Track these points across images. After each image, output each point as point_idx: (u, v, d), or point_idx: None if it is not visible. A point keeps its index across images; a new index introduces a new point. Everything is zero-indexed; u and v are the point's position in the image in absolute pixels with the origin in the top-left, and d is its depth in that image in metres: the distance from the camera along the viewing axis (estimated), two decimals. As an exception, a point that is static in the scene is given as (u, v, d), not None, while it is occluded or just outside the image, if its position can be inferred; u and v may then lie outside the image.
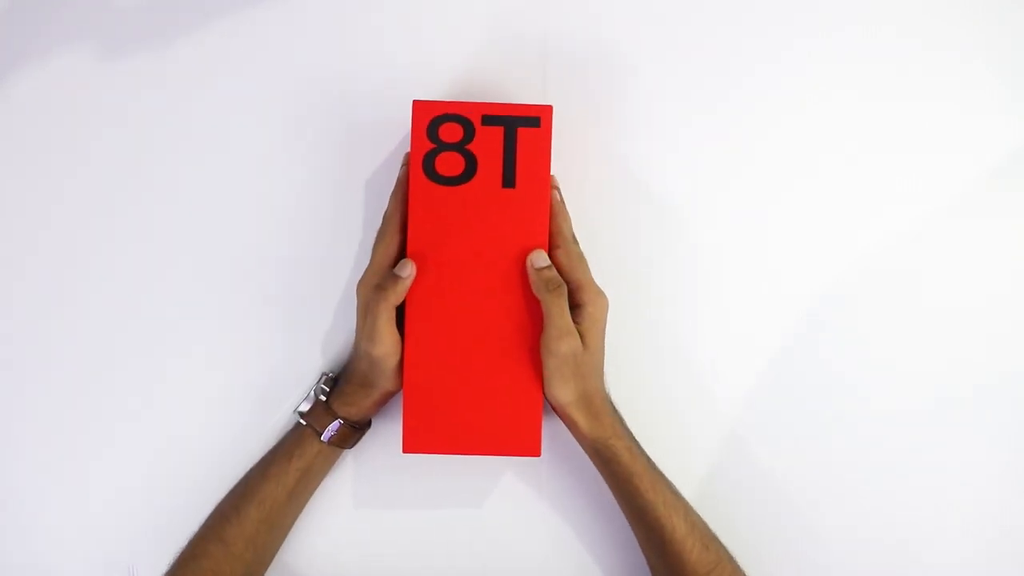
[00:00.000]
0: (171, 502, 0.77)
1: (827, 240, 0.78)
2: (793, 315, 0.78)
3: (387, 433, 0.77)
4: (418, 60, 0.78)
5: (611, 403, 0.73)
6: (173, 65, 0.78)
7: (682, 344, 0.78)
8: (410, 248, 0.71)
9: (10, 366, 0.78)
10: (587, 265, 0.72)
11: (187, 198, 0.78)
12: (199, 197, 0.78)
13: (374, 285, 0.70)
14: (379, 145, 0.77)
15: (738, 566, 0.72)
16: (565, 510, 0.78)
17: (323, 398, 0.74)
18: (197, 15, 0.77)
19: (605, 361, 0.73)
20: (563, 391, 0.70)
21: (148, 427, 0.78)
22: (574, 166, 0.76)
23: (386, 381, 0.72)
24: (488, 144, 0.70)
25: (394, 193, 0.73)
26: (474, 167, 0.70)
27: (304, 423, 0.74)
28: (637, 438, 0.73)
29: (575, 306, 0.70)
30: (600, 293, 0.71)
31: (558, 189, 0.72)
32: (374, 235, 0.73)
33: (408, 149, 0.72)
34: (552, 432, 0.76)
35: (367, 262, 0.72)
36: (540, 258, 0.70)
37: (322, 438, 0.73)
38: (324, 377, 0.76)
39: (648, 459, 0.72)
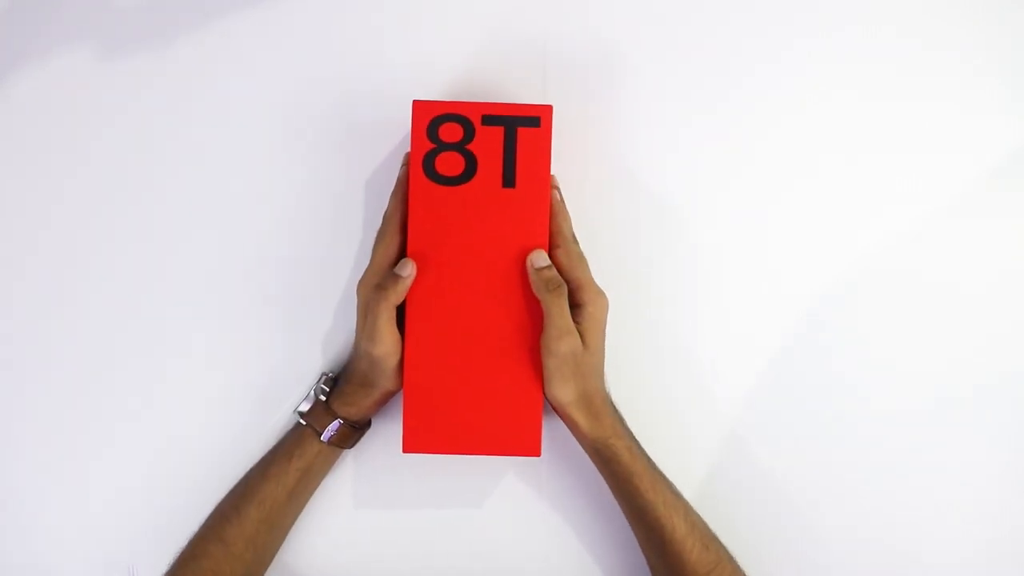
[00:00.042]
0: (171, 502, 0.77)
1: (827, 240, 0.78)
2: (793, 315, 0.78)
3: (387, 433, 0.77)
4: (418, 60, 0.77)
5: (611, 403, 0.73)
6: (173, 65, 0.78)
7: (682, 344, 0.78)
8: (410, 248, 0.71)
9: (10, 366, 0.78)
10: (587, 265, 0.72)
11: (187, 198, 0.78)
12: (199, 197, 0.78)
13: (374, 285, 0.70)
14: (379, 145, 0.77)
15: (738, 566, 0.72)
16: (565, 510, 0.78)
17: (323, 398, 0.74)
18: (197, 15, 0.77)
19: (605, 361, 0.73)
20: (563, 391, 0.70)
21: (148, 427, 0.78)
22: (574, 166, 0.76)
23: (386, 381, 0.72)
24: (488, 144, 0.70)
25: (394, 193, 0.73)
26: (474, 167, 0.70)
27: (304, 423, 0.74)
28: (637, 438, 0.73)
29: (575, 306, 0.70)
30: (600, 293, 0.71)
31: (558, 189, 0.72)
32: (374, 235, 0.73)
33: (408, 149, 0.72)
34: (552, 432, 0.76)
35: (367, 262, 0.72)
36: (540, 258, 0.70)
37: (322, 438, 0.73)
38: (324, 377, 0.76)
39: (648, 459, 0.72)
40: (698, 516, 0.73)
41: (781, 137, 0.78)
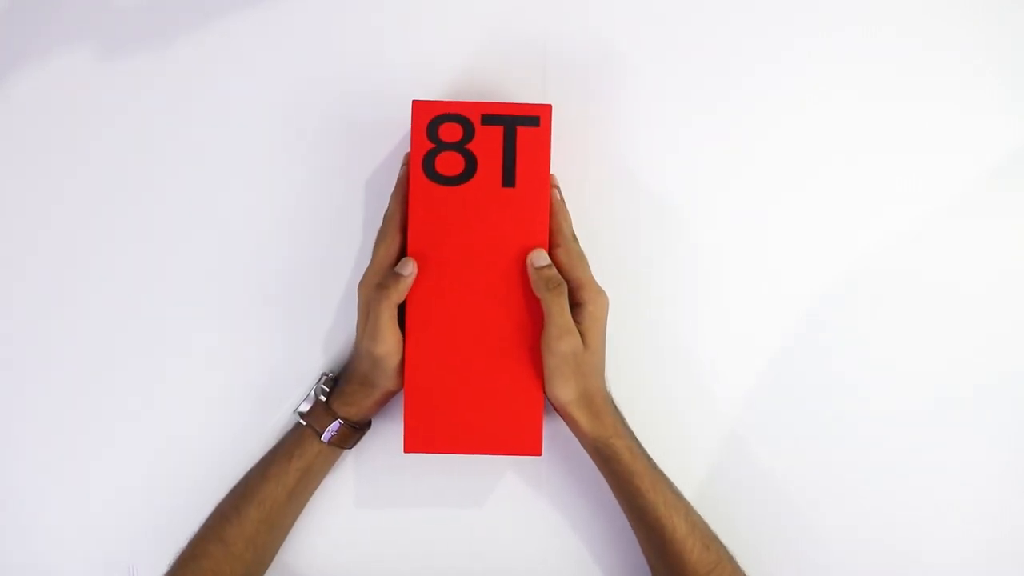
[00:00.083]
0: (171, 502, 0.77)
1: (827, 240, 0.78)
2: (793, 315, 0.78)
3: (388, 433, 0.77)
4: (418, 60, 0.78)
5: (612, 402, 0.73)
6: (173, 65, 0.78)
7: (682, 344, 0.78)
8: (411, 248, 0.71)
9: (10, 366, 0.78)
10: (587, 264, 0.72)
11: (187, 198, 0.78)
12: (199, 197, 0.78)
13: (376, 284, 0.70)
14: (379, 145, 0.77)
15: (738, 566, 0.72)
16: (566, 509, 0.78)
17: (323, 398, 0.74)
18: (197, 15, 0.77)
19: (606, 360, 0.73)
20: (564, 390, 0.70)
21: (148, 427, 0.78)
22: (574, 166, 0.76)
23: (387, 380, 0.72)
24: (488, 143, 0.70)
25: (394, 193, 0.73)
26: (474, 166, 0.71)
27: (304, 423, 0.74)
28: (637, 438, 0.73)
29: (575, 305, 0.70)
30: (600, 292, 0.71)
31: (558, 188, 0.72)
32: (374, 235, 0.73)
33: (408, 149, 0.72)
34: (553, 431, 0.76)
35: (367, 262, 0.72)
36: (540, 257, 0.70)
37: (322, 438, 0.73)
38: (324, 377, 0.76)
39: (649, 459, 0.72)
40: (699, 516, 0.73)
41: (781, 137, 0.78)
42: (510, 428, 0.71)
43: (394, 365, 0.71)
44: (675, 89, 0.78)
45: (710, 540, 0.72)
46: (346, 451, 0.75)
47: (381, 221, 0.72)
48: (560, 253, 0.71)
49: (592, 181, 0.77)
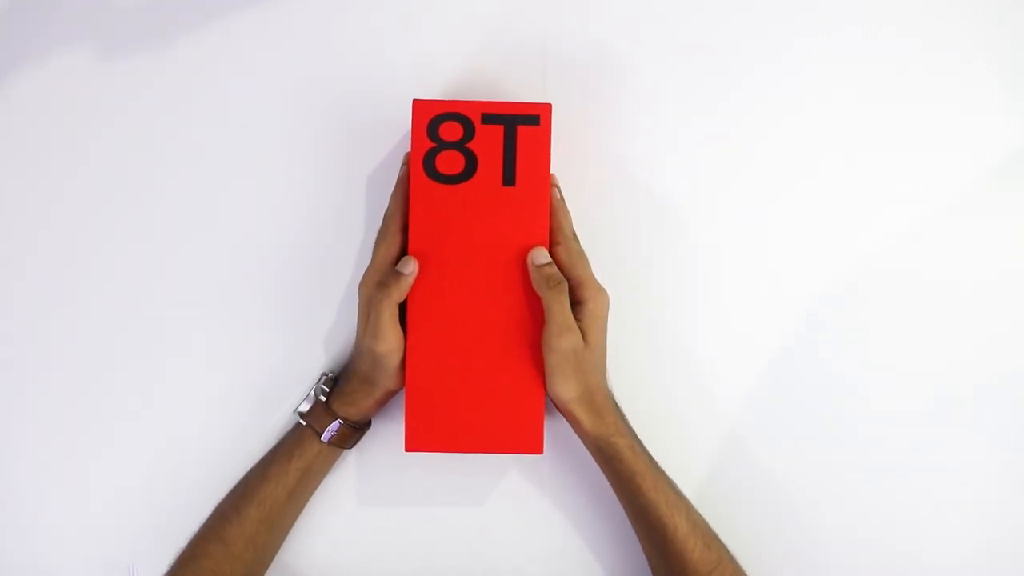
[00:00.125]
0: (171, 502, 0.77)
1: (827, 240, 0.78)
2: (793, 315, 0.78)
3: (388, 432, 0.77)
4: (418, 60, 0.78)
5: (614, 400, 0.73)
6: (173, 65, 0.78)
7: (682, 344, 0.78)
8: (411, 247, 0.71)
9: (10, 366, 0.78)
10: (587, 262, 0.72)
11: (187, 198, 0.78)
12: (199, 197, 0.78)
13: (377, 282, 0.70)
14: (379, 145, 0.77)
15: (739, 566, 0.72)
16: (567, 508, 0.78)
17: (323, 398, 0.74)
18: (197, 15, 0.77)
19: (607, 359, 0.73)
20: (565, 388, 0.70)
21: (148, 427, 0.78)
22: (574, 166, 0.76)
23: (388, 379, 0.72)
24: (488, 142, 0.70)
25: (395, 192, 0.73)
26: (474, 165, 0.71)
27: (304, 423, 0.74)
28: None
29: (576, 303, 0.70)
30: (601, 290, 0.71)
31: (558, 187, 0.72)
32: (375, 235, 0.73)
33: (408, 148, 0.72)
34: (554, 430, 0.76)
35: (368, 262, 0.72)
36: (541, 255, 0.70)
37: (322, 438, 0.73)
38: (324, 377, 0.76)
39: (650, 458, 0.72)
40: (700, 515, 0.73)
41: (781, 137, 0.78)
42: (511, 427, 0.71)
43: (395, 364, 0.71)
44: (675, 89, 0.78)
45: (711, 540, 0.72)
46: (346, 451, 0.75)
47: (381, 220, 0.73)
48: (560, 251, 0.71)
49: (592, 181, 0.77)
